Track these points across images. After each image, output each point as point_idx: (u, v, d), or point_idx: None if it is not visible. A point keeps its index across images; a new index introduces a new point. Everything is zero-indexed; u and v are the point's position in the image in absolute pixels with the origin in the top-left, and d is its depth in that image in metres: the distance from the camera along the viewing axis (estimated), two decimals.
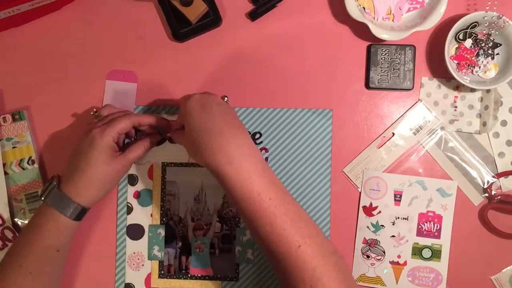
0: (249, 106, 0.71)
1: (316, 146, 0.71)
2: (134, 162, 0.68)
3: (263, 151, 0.71)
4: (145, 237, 0.71)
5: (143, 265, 0.71)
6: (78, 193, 0.62)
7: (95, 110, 0.67)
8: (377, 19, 0.70)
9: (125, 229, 0.72)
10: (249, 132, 0.71)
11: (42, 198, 0.62)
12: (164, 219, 0.72)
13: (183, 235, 0.71)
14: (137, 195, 0.72)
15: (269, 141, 0.71)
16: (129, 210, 0.72)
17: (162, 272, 0.71)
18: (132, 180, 0.72)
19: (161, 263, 0.71)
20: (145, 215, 0.72)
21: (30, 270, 0.60)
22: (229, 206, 0.71)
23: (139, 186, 0.72)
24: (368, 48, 0.71)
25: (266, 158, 0.71)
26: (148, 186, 0.72)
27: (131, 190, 0.72)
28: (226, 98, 0.65)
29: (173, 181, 0.72)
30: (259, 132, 0.71)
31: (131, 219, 0.72)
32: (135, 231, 0.72)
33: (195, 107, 0.59)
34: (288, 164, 0.71)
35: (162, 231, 0.71)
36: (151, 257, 0.71)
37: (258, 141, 0.71)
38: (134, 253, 0.71)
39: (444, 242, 0.70)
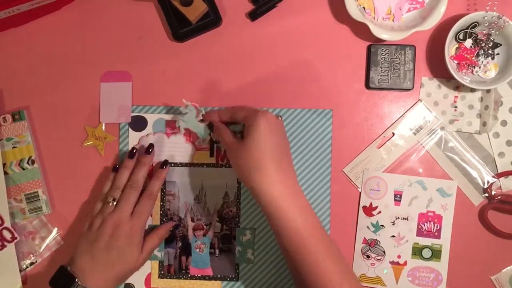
0: (249, 105, 0.71)
1: (316, 146, 0.71)
2: None
3: None
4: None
5: (143, 265, 0.71)
6: (103, 286, 0.62)
7: (112, 198, 0.66)
8: (377, 19, 0.70)
9: None
10: None
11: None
12: (164, 219, 0.71)
13: (183, 235, 0.71)
14: None
15: None
16: None
17: (162, 272, 0.71)
18: None
19: (161, 263, 0.71)
20: None
21: None
22: (229, 206, 0.71)
23: None
24: (368, 48, 0.71)
25: None
26: None
27: None
28: (280, 117, 0.67)
29: (173, 181, 0.72)
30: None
31: None
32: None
33: (265, 127, 0.61)
34: None
35: None
36: (151, 257, 0.71)
37: None
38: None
39: (444, 242, 0.70)
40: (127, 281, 0.71)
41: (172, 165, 0.71)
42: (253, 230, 0.71)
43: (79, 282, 0.61)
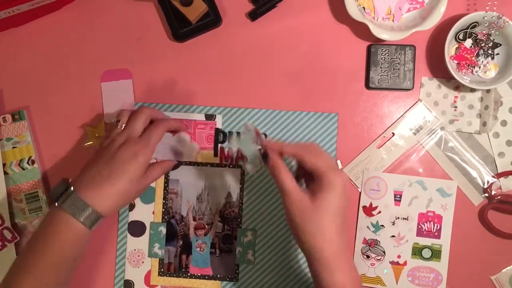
0: (249, 106, 0.71)
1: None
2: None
3: None
4: (146, 234, 0.71)
5: (143, 262, 0.71)
6: (100, 200, 0.58)
7: (117, 119, 0.65)
8: (377, 19, 0.70)
9: (126, 225, 0.72)
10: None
11: (57, 204, 0.58)
12: (165, 217, 0.72)
13: (184, 234, 0.71)
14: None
15: None
16: (131, 206, 0.72)
17: (162, 270, 0.71)
18: None
19: (161, 261, 0.71)
20: (147, 212, 0.72)
21: (47, 281, 0.57)
22: (231, 207, 0.71)
23: None
24: (368, 48, 0.71)
25: None
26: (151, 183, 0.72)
27: None
28: (338, 161, 0.65)
29: (176, 180, 0.72)
30: (264, 134, 0.71)
31: (133, 216, 0.72)
32: (136, 228, 0.72)
33: (342, 192, 0.55)
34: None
35: (163, 229, 0.71)
36: (151, 254, 0.71)
37: None
38: (134, 249, 0.71)
39: (444, 242, 0.70)
40: (126, 278, 0.71)
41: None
42: (254, 232, 0.71)
43: (71, 188, 0.58)
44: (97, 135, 0.72)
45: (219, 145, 0.71)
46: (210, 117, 0.71)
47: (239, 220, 0.71)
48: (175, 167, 0.70)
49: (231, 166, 0.71)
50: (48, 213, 0.60)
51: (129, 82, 0.72)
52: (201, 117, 0.71)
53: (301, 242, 0.55)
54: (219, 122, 0.71)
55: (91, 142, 0.72)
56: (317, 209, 0.54)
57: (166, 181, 0.71)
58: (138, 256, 0.72)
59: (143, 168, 0.61)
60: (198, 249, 0.71)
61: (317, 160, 0.56)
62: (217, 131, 0.71)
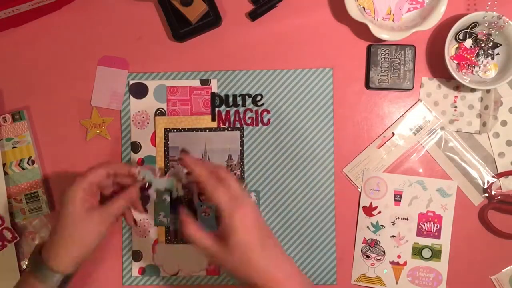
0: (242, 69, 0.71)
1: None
2: (116, 215, 0.60)
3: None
4: (151, 203, 0.71)
5: (149, 231, 0.71)
6: (57, 257, 0.56)
7: None
8: (377, 19, 0.70)
9: None
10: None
11: (26, 266, 0.59)
12: None
13: (189, 200, 0.71)
14: (141, 162, 0.72)
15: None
16: None
17: (169, 238, 0.71)
18: (135, 147, 0.72)
19: (167, 229, 0.72)
20: None
21: None
22: (233, 169, 0.71)
23: (143, 153, 0.72)
24: (368, 48, 0.71)
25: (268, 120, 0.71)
26: (151, 152, 0.72)
27: (135, 157, 0.72)
28: (245, 185, 0.65)
29: (176, 147, 0.72)
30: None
31: None
32: (141, 198, 0.71)
33: (245, 224, 0.53)
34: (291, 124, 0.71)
35: (167, 197, 0.71)
36: (157, 223, 0.71)
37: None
38: (140, 220, 0.71)
39: (444, 242, 0.70)
40: (135, 248, 0.71)
41: (175, 130, 0.71)
42: (258, 193, 0.71)
43: (38, 248, 0.58)
44: (95, 123, 0.71)
45: (216, 109, 0.71)
46: (205, 82, 0.72)
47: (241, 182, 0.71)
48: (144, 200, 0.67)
49: (229, 129, 0.71)
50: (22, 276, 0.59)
51: (125, 73, 0.72)
52: (196, 82, 0.72)
53: (245, 280, 0.53)
54: (214, 86, 0.71)
55: (94, 133, 0.72)
56: (228, 250, 0.52)
57: (167, 149, 0.71)
58: (144, 225, 0.71)
59: (76, 205, 0.57)
60: (204, 214, 0.71)
61: (217, 193, 0.54)
62: (213, 95, 0.71)
